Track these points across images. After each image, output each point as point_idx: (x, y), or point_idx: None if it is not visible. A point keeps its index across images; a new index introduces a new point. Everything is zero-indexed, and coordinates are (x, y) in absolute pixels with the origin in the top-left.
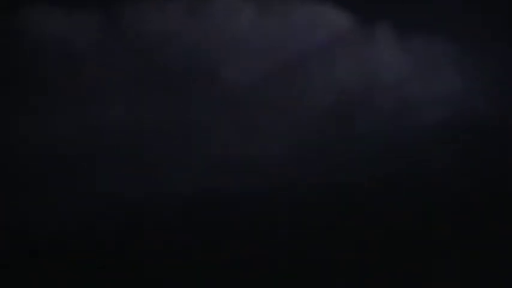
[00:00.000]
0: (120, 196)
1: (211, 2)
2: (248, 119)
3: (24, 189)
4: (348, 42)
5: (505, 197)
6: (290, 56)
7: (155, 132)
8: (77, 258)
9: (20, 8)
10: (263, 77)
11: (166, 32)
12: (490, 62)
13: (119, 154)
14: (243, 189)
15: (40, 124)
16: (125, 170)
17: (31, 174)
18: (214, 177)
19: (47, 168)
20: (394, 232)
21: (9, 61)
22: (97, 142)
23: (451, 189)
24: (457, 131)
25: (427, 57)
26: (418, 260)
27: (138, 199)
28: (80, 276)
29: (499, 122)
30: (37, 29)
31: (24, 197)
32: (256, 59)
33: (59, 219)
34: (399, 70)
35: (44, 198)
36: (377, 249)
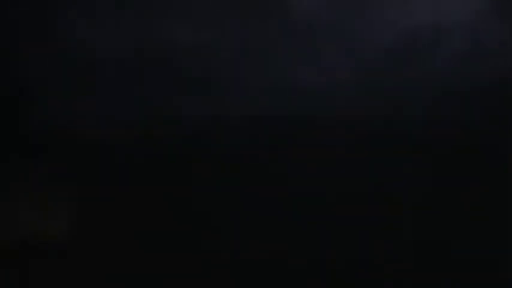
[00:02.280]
0: (179, 116)
1: None
2: (311, 46)
3: (78, 93)
4: None
5: None
6: None
7: (220, 55)
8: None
9: None
10: (331, 5)
11: None
12: None
13: (181, 74)
14: (301, 111)
15: (103, 34)
16: (183, 89)
17: (87, 81)
18: (276, 99)
19: (106, 77)
20: (443, 176)
21: None
22: (160, 60)
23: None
24: None
25: None
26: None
27: (198, 119)
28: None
29: None
30: None
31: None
32: None
33: (114, 132)
34: (471, 11)
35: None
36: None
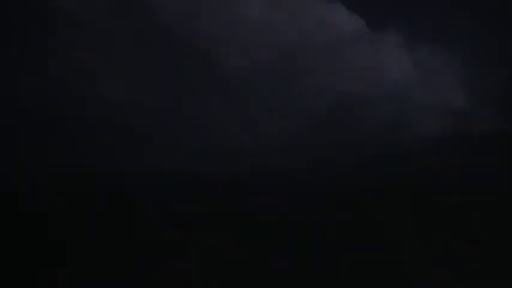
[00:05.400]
0: (117, 169)
1: None
2: (246, 110)
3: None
4: (354, 45)
5: (496, 205)
6: (295, 52)
7: (152, 113)
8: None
9: None
10: (266, 69)
11: (175, 12)
12: (494, 77)
13: (116, 130)
14: (231, 173)
15: (43, 84)
16: (119, 145)
17: (32, 126)
18: (206, 162)
19: (42, 128)
20: (372, 234)
21: (20, 26)
22: (98, 115)
23: (446, 197)
24: (454, 141)
25: (430, 65)
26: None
27: (132, 174)
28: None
29: (498, 135)
30: None
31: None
32: (261, 51)
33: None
34: (402, 77)
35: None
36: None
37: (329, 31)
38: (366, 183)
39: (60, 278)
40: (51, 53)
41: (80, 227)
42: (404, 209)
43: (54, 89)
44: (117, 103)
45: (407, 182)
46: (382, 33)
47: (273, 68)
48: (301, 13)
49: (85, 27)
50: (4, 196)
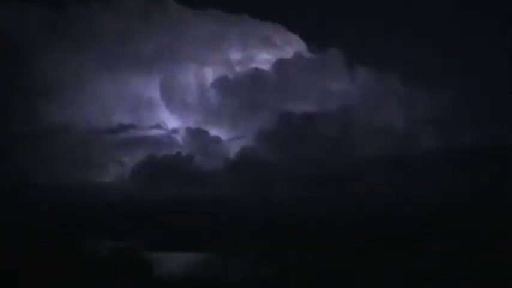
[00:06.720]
0: None
1: (165, 10)
2: None
3: None
4: (297, 65)
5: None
6: (240, 70)
7: None
8: None
9: None
10: (207, 88)
11: (115, 32)
12: (436, 97)
13: None
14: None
15: None
16: None
17: None
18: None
19: None
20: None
21: None
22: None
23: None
24: (396, 161)
25: (372, 88)
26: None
27: None
28: None
29: (442, 155)
30: None
31: None
32: (207, 67)
33: None
34: (343, 98)
35: None
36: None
37: (270, 51)
38: (304, 202)
39: None
40: None
41: None
42: (344, 229)
43: None
44: None
45: (346, 202)
46: (323, 55)
47: (215, 83)
48: (243, 32)
49: None
50: None
